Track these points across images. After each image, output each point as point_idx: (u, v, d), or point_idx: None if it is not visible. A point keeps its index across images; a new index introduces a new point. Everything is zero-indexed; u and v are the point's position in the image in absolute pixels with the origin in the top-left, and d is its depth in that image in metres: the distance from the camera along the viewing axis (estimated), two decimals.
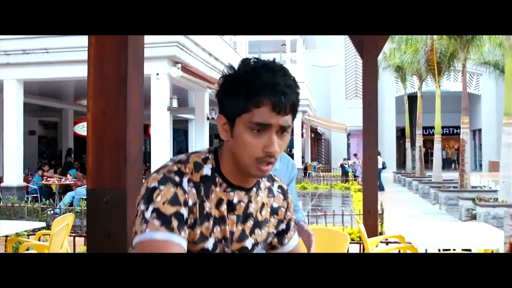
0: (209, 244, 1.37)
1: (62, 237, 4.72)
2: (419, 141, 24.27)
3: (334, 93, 36.96)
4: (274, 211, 1.56)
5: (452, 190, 15.43)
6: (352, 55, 34.47)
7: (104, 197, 2.25)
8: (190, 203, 1.32)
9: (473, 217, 11.39)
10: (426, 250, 4.37)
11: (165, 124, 11.45)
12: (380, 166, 21.40)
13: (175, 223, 1.27)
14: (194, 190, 1.34)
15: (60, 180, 13.13)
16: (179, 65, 11.29)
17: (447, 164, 40.15)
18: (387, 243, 5.53)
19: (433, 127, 20.90)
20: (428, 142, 36.27)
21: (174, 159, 1.40)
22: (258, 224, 1.49)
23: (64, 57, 11.48)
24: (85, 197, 11.33)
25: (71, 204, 11.16)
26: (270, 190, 1.56)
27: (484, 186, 16.38)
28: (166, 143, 11.44)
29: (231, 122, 1.33)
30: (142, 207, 1.29)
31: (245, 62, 1.34)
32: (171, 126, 16.00)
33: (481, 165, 36.64)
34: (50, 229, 5.70)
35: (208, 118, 14.70)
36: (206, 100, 14.61)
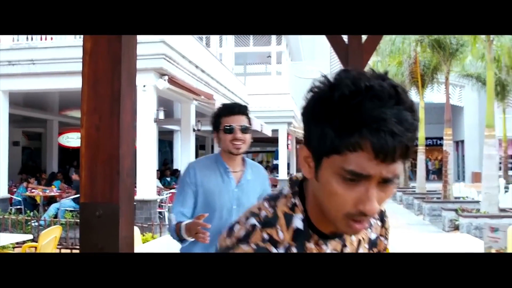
0: None
1: (49, 249, 4.74)
2: None
3: None
4: (372, 244, 1.26)
5: (436, 201, 15.62)
6: (337, 67, 34.74)
7: (96, 211, 2.29)
8: None
9: (456, 228, 11.53)
10: None
11: (152, 136, 11.48)
12: None
13: None
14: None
15: (45, 192, 13.05)
16: (166, 77, 11.34)
17: (435, 174, 40.53)
18: None
19: (416, 138, 21.11)
20: (414, 154, 36.62)
21: (259, 217, 1.10)
22: None
23: (50, 68, 11.49)
24: (70, 208, 11.31)
25: (55, 216, 11.11)
26: None
27: (467, 197, 16.61)
28: (152, 155, 11.46)
29: (317, 160, 1.00)
30: None
31: (343, 79, 0.97)
32: (157, 138, 16.02)
33: (464, 176, 37.05)
34: (36, 241, 5.70)
35: (194, 130, 14.73)
36: (192, 111, 14.65)
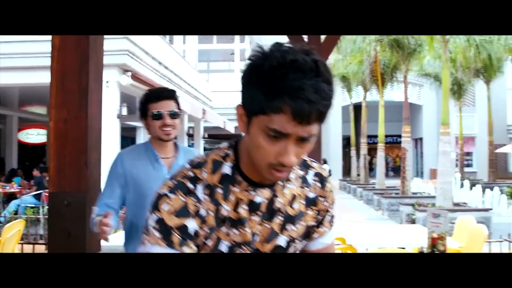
0: (224, 247, 1.28)
1: (13, 243, 4.79)
2: (363, 149, 25.03)
3: None
4: (310, 202, 1.39)
5: (394, 197, 16.06)
6: None
7: (65, 200, 2.41)
8: (203, 212, 1.24)
9: (413, 222, 11.91)
10: (367, 249, 4.69)
11: (115, 132, 11.48)
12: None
13: (176, 237, 1.19)
14: (208, 198, 1.25)
15: (5, 188, 12.88)
16: (129, 73, 11.35)
17: (394, 171, 41.33)
18: None
19: (377, 136, 21.63)
20: (373, 151, 37.24)
21: (192, 161, 1.29)
22: (289, 219, 1.34)
23: (8, 63, 11.32)
24: (31, 205, 11.22)
25: (16, 213, 11.00)
26: (304, 179, 1.39)
27: (424, 192, 17.12)
28: (115, 151, 11.46)
29: (249, 118, 1.18)
30: (147, 214, 1.22)
31: (274, 52, 1.14)
32: (120, 134, 15.96)
33: (422, 173, 37.92)
34: None
35: None
36: None
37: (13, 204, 11.42)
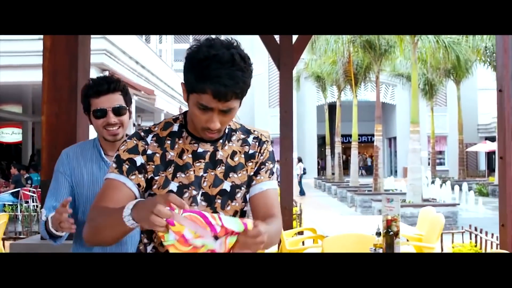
0: (173, 187, 1.66)
1: (1, 233, 4.99)
2: (338, 148, 25.50)
3: (257, 101, 37.72)
4: (250, 157, 1.78)
5: (367, 194, 16.49)
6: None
7: None
8: (150, 152, 1.66)
9: None
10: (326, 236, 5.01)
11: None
12: (301, 172, 22.32)
13: (125, 167, 1.62)
14: (156, 143, 1.68)
15: None
16: (107, 73, 11.52)
17: (364, 169, 41.92)
18: (301, 233, 6.18)
19: (351, 135, 22.08)
20: (348, 150, 37.82)
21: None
22: (231, 169, 1.73)
23: None
24: (9, 203, 11.32)
25: None
26: (244, 140, 1.79)
27: (396, 189, 17.61)
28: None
29: (187, 94, 1.61)
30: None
31: (202, 47, 1.55)
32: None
33: (396, 171, 38.58)
34: None
35: (134, 125, 14.91)
36: (133, 107, 14.80)
37: None
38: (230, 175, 1.73)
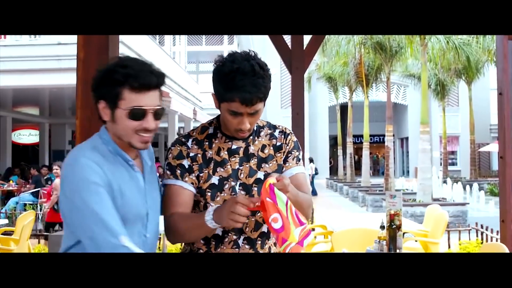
0: (215, 181, 1.95)
1: (29, 230, 5.31)
2: (350, 148, 25.68)
3: (270, 103, 37.74)
4: (278, 148, 2.05)
5: (378, 193, 16.68)
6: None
7: None
8: (192, 154, 1.96)
9: None
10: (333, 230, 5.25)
11: None
12: (313, 172, 22.53)
13: (178, 172, 1.93)
14: (196, 146, 1.98)
15: (3, 187, 13.34)
16: None
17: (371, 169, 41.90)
18: (313, 229, 6.44)
19: (363, 135, 22.24)
20: (360, 150, 37.86)
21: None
22: (263, 160, 2.01)
23: (4, 66, 11.67)
24: (29, 202, 11.68)
25: (14, 209, 11.46)
26: (271, 135, 2.07)
27: (407, 189, 17.79)
28: None
29: (219, 103, 1.89)
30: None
31: (226, 62, 1.84)
32: None
33: (408, 171, 38.56)
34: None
35: None
36: None
37: (11, 202, 11.90)
38: (263, 166, 2.00)
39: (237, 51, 1.92)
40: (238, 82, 1.79)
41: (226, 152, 2.00)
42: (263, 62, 1.90)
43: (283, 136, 2.08)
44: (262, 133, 2.08)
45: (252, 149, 2.02)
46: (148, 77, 1.73)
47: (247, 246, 1.98)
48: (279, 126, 2.13)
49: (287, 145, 2.08)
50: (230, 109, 1.86)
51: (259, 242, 2.00)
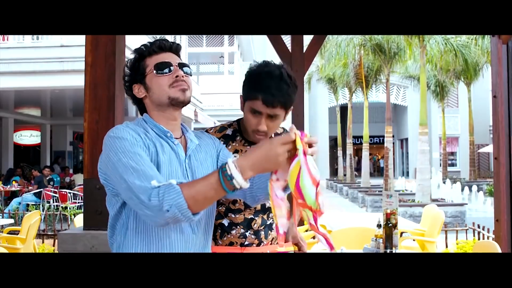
0: None
1: (35, 229, 5.43)
2: (349, 149, 25.81)
3: None
4: None
5: (377, 194, 16.78)
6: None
7: (97, 184, 3.04)
8: None
9: None
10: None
11: None
12: None
13: None
14: None
15: (6, 187, 13.46)
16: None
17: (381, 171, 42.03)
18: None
19: (363, 136, 22.37)
20: (360, 151, 37.97)
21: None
22: None
23: (6, 68, 11.78)
24: (32, 203, 11.80)
25: (17, 210, 11.58)
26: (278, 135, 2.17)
27: (406, 190, 17.90)
28: None
29: (244, 101, 2.05)
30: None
31: (260, 66, 2.04)
32: None
33: (408, 172, 38.68)
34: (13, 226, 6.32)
35: None
36: None
37: (14, 202, 12.01)
38: None
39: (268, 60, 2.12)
40: (264, 82, 1.95)
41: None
42: (292, 73, 2.05)
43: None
44: (273, 135, 2.15)
45: None
46: (163, 42, 1.85)
47: (253, 237, 2.14)
48: (284, 129, 2.24)
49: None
50: (252, 107, 1.99)
51: (263, 232, 2.16)
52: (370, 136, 22.95)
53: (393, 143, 27.37)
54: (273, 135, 2.13)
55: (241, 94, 2.08)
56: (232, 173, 1.48)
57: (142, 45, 1.87)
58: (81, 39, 10.34)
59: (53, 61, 11.47)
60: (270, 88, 1.94)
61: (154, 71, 1.77)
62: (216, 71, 31.93)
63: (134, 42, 12.45)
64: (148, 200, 1.52)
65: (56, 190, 12.42)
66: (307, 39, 6.43)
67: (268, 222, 2.19)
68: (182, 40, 23.18)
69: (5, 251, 4.16)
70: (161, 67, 1.78)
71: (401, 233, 5.49)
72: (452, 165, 34.64)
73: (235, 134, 2.19)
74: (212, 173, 1.55)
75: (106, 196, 1.78)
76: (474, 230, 6.93)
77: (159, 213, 1.51)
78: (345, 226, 5.54)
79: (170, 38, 20.60)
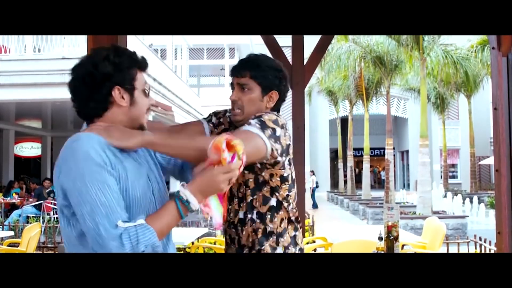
0: None
1: (35, 241, 5.42)
2: (350, 161, 25.79)
3: None
4: None
5: (378, 206, 16.76)
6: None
7: None
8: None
9: None
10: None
11: None
12: (314, 185, 22.62)
13: None
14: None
15: (6, 199, 13.45)
16: None
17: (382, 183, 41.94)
18: (313, 242, 6.53)
19: (363, 149, 22.36)
20: (361, 163, 37.86)
21: None
22: None
23: (7, 80, 11.82)
24: (32, 214, 11.78)
25: (18, 222, 11.56)
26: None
27: (407, 202, 17.86)
28: None
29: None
30: None
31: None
32: None
33: (408, 184, 38.61)
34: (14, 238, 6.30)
35: None
36: None
37: (15, 214, 12.01)
38: None
39: None
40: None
41: None
42: (280, 64, 2.17)
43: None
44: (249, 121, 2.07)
45: None
46: (146, 61, 1.80)
47: (233, 230, 2.13)
48: (268, 112, 2.12)
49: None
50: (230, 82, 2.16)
51: (239, 227, 2.11)
52: (370, 148, 22.96)
53: (394, 155, 27.35)
54: (255, 119, 2.00)
55: None
56: (188, 198, 1.58)
57: (133, 53, 1.77)
58: (82, 51, 10.40)
59: (54, 74, 11.52)
60: (242, 59, 2.12)
61: (143, 91, 1.75)
62: (217, 83, 32.01)
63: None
64: (120, 245, 1.49)
65: (56, 202, 12.38)
66: (308, 51, 6.45)
67: (240, 215, 2.13)
68: (183, 52, 23.29)
69: None
70: (147, 92, 1.77)
71: (403, 246, 5.48)
72: (453, 177, 34.57)
73: (225, 113, 2.28)
74: (168, 204, 1.61)
75: (58, 210, 1.68)
76: (475, 243, 6.90)
77: (128, 251, 1.51)
78: (346, 238, 5.52)
79: (171, 47, 20.59)
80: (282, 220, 2.10)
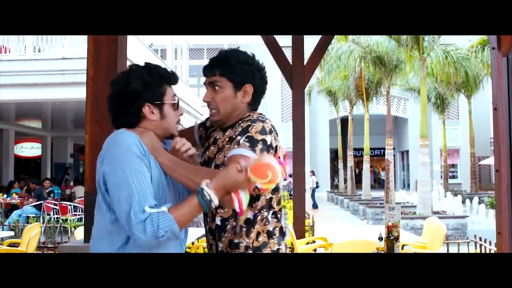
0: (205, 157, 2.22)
1: (35, 241, 5.42)
2: (350, 161, 25.77)
3: (270, 116, 37.26)
4: (231, 140, 2.06)
5: (378, 206, 16.75)
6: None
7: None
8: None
9: None
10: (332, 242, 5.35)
11: None
12: (314, 185, 22.60)
13: None
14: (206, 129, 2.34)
15: (6, 199, 13.45)
16: None
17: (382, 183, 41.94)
18: (313, 242, 6.54)
19: (363, 149, 22.35)
20: (361, 163, 37.82)
21: None
22: (219, 151, 2.10)
23: (6, 80, 11.82)
24: (32, 215, 11.78)
25: (18, 222, 11.56)
26: (237, 127, 2.08)
27: (407, 202, 17.85)
28: None
29: None
30: None
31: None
32: None
33: (409, 184, 38.60)
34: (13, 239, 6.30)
35: None
36: None
37: (15, 214, 12.00)
38: (217, 157, 2.11)
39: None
40: None
41: (212, 140, 2.16)
42: (259, 62, 2.11)
43: (240, 126, 2.03)
44: (236, 126, 2.05)
45: (219, 140, 2.11)
46: (176, 76, 2.01)
47: (210, 237, 2.07)
48: (253, 118, 2.06)
49: (236, 133, 2.02)
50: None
51: (217, 233, 2.03)
52: (370, 148, 22.94)
53: (394, 155, 27.36)
54: (243, 136, 1.97)
55: None
56: (211, 197, 1.70)
57: (163, 69, 1.94)
58: (82, 51, 10.41)
59: (54, 74, 11.52)
60: (211, 58, 2.07)
61: (172, 105, 1.94)
62: None
63: (135, 55, 12.53)
64: (143, 230, 1.67)
65: (56, 202, 12.41)
66: (308, 51, 6.46)
67: (217, 222, 2.06)
68: (183, 52, 23.29)
69: None
70: (177, 105, 1.96)
71: (403, 246, 5.49)
72: (453, 177, 34.55)
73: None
74: (192, 198, 1.74)
75: (98, 201, 1.91)
76: (476, 243, 6.89)
77: (150, 237, 1.67)
78: (346, 238, 5.52)
79: (171, 47, 20.56)
80: (258, 234, 2.00)
